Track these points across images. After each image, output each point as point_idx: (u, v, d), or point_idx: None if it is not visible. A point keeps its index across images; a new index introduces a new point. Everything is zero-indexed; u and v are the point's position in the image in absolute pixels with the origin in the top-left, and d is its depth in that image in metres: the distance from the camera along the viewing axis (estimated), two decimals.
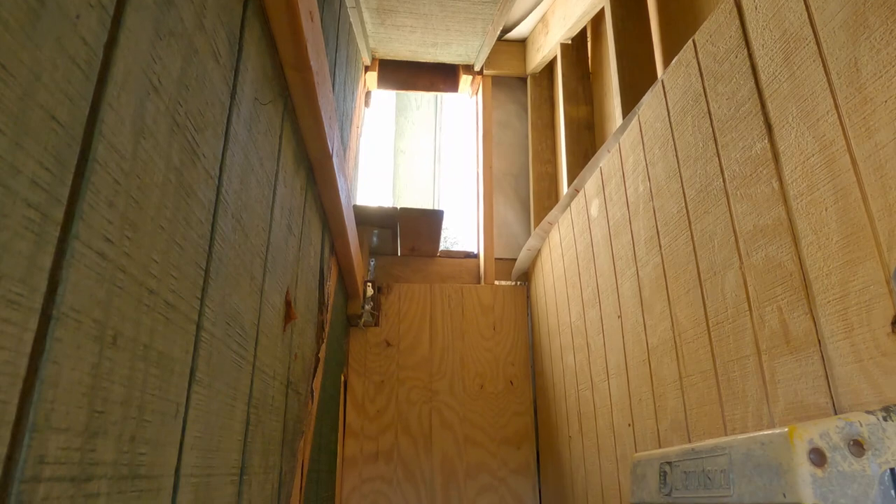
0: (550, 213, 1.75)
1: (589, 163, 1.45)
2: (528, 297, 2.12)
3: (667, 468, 0.71)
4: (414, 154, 4.10)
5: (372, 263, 2.21)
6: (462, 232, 3.38)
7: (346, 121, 1.65)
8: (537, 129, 2.29)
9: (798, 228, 0.71)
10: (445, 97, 3.83)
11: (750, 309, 0.80)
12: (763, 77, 0.78)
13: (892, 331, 0.57)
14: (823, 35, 0.68)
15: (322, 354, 1.23)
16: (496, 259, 2.24)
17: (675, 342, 1.00)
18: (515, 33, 2.43)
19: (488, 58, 2.39)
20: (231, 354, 0.60)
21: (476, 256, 2.31)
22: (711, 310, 0.89)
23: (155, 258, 0.41)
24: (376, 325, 2.01)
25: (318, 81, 0.86)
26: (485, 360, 2.03)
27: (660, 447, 1.04)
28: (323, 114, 0.92)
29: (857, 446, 0.50)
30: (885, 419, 0.52)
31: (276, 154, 0.79)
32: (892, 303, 0.57)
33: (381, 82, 2.49)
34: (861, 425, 0.51)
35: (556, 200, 2.08)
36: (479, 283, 2.20)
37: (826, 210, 0.67)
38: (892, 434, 0.51)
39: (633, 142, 1.20)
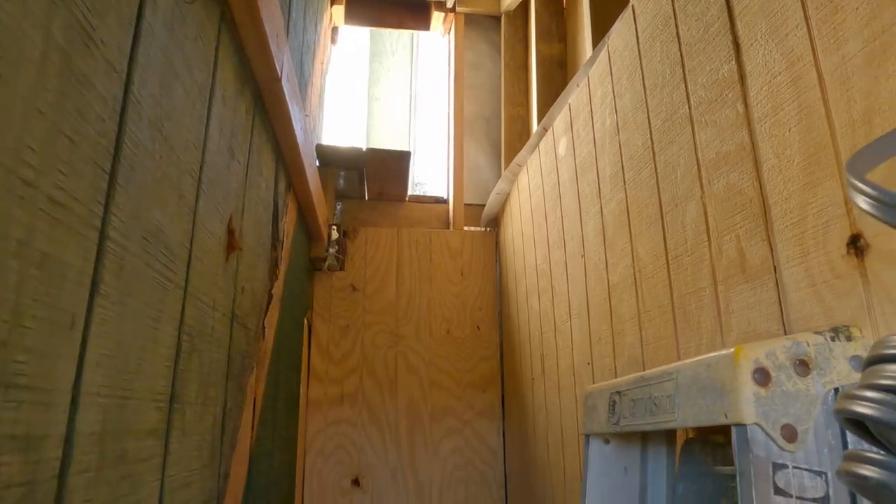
0: (519, 155, 1.70)
1: (558, 99, 1.40)
2: (497, 242, 2.09)
3: (616, 398, 0.70)
4: (389, 101, 3.98)
5: (338, 207, 2.15)
6: (437, 181, 3.31)
7: (306, 52, 1.56)
8: (510, 69, 2.21)
9: (760, 152, 0.68)
10: (422, 42, 3.69)
11: (709, 239, 0.77)
12: None
13: (848, 252, 0.55)
14: None
15: (276, 292, 1.19)
16: (466, 204, 2.20)
17: (635, 278, 0.98)
18: None
19: None
20: (152, 273, 0.55)
21: (446, 202, 2.26)
22: (671, 243, 0.87)
23: (31, 146, 0.36)
24: (341, 269, 1.97)
25: None
26: (452, 305, 2.01)
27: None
28: (267, 29, 0.85)
29: (803, 366, 0.48)
30: (832, 339, 0.50)
31: (212, 66, 0.73)
32: (850, 223, 0.55)
33: (349, 17, 2.37)
34: (808, 345, 0.49)
35: None
36: (448, 228, 2.17)
37: (789, 131, 0.63)
38: (838, 354, 0.49)
39: (601, 73, 1.15)
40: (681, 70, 0.85)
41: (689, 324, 0.81)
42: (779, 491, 0.45)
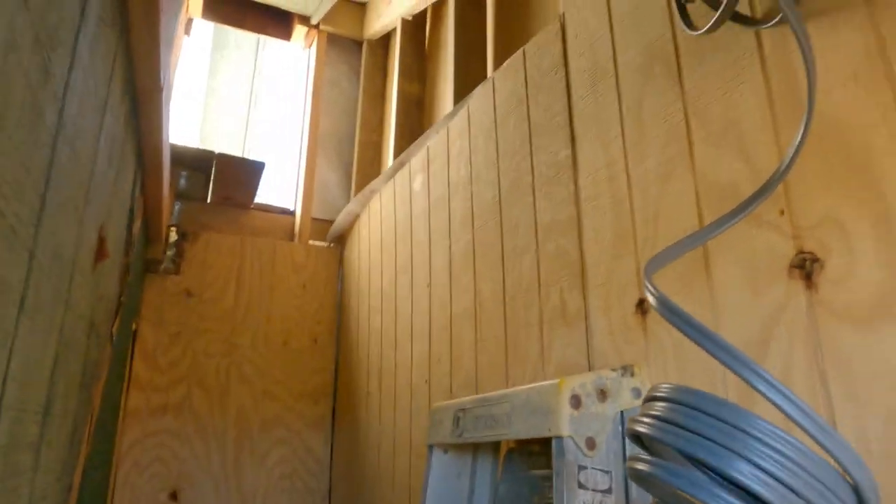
0: (374, 182, 1.81)
1: (418, 140, 1.54)
2: (342, 259, 2.17)
3: (460, 414, 0.84)
4: (228, 96, 3.84)
5: (177, 207, 2.06)
6: (274, 189, 3.26)
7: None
8: (369, 96, 2.32)
9: (583, 225, 0.88)
10: (269, 41, 3.62)
11: (539, 287, 0.96)
12: (574, 96, 0.94)
13: (636, 311, 0.75)
14: (622, 73, 0.85)
15: (124, 299, 1.15)
16: (312, 219, 2.25)
17: (475, 311, 1.15)
18: None
19: (326, 13, 2.35)
20: (52, 288, 0.57)
21: (292, 214, 2.28)
22: (509, 285, 1.05)
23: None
24: (177, 273, 1.90)
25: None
26: (291, 317, 2.04)
27: (451, 399, 1.19)
28: (162, 36, 0.86)
29: (602, 394, 0.67)
30: (622, 375, 0.69)
31: (109, 79, 0.74)
32: (639, 290, 0.76)
33: (207, 12, 2.30)
34: (606, 379, 0.68)
35: (380, 169, 2.15)
36: (293, 240, 2.19)
37: (605, 214, 0.84)
38: (625, 386, 0.69)
39: (460, 129, 1.32)
40: (528, 145, 1.05)
41: (518, 354, 0.99)
42: (581, 485, 0.63)
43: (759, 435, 0.36)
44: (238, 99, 3.81)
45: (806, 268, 0.55)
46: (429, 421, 0.94)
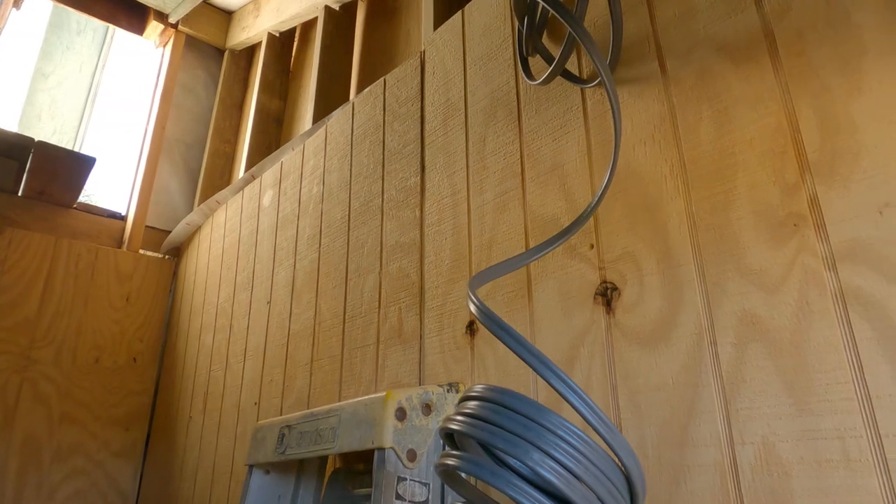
0: (221, 193, 1.73)
1: (272, 154, 1.51)
2: (176, 272, 2.01)
3: (286, 431, 0.82)
4: (62, 83, 3.47)
5: None
6: (107, 192, 2.96)
7: None
8: (225, 105, 2.23)
9: (425, 249, 0.92)
10: (121, 34, 3.35)
11: (379, 307, 0.98)
12: (427, 128, 0.99)
13: (466, 332, 0.80)
14: (471, 113, 0.91)
15: None
16: (146, 227, 2.07)
17: (314, 330, 1.13)
18: (224, 2, 2.34)
19: (187, 15, 2.23)
20: None
21: (123, 218, 2.08)
22: (350, 305, 1.05)
23: None
24: None
25: None
26: (109, 332, 1.83)
27: None
28: None
29: (427, 408, 0.69)
30: (448, 391, 0.72)
31: None
32: (469, 313, 0.80)
33: None
34: (432, 394, 0.70)
35: (229, 181, 2.06)
36: (120, 247, 1.99)
37: (445, 240, 0.88)
38: (450, 401, 0.72)
39: (317, 147, 1.31)
40: (381, 169, 1.07)
41: (352, 373, 0.99)
42: (399, 497, 0.63)
43: (552, 428, 0.40)
44: (75, 88, 3.45)
45: (607, 295, 0.63)
46: (251, 440, 0.89)
